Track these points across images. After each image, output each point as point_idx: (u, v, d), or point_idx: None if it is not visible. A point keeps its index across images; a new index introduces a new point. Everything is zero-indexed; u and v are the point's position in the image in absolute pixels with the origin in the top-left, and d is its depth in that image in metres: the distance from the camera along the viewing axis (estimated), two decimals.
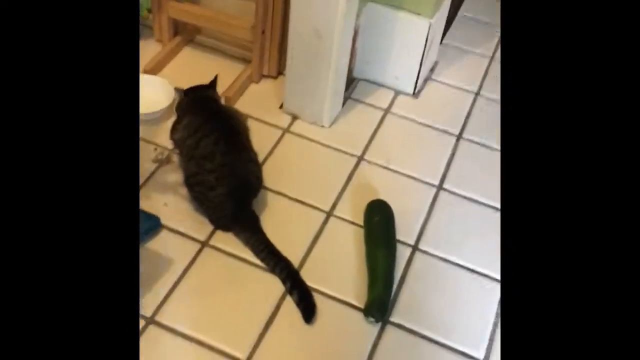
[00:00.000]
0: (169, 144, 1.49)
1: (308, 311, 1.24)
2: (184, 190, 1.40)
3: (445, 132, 1.69)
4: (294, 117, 1.66)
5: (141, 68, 1.70)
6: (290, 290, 1.27)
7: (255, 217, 1.36)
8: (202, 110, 1.38)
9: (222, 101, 1.55)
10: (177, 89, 1.50)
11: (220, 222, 1.36)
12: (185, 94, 1.45)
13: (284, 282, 1.28)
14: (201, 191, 1.33)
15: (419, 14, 1.63)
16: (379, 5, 1.65)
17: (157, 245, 1.33)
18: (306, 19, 1.47)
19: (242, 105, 1.67)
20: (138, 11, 1.58)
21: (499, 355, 1.21)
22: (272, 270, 1.30)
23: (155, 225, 1.34)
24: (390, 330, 1.25)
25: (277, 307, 1.26)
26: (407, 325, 1.26)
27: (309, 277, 1.30)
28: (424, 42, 1.66)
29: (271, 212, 1.42)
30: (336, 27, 1.45)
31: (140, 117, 1.58)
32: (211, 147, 1.30)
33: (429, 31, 1.64)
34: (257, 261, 1.32)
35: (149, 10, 1.83)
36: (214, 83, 1.47)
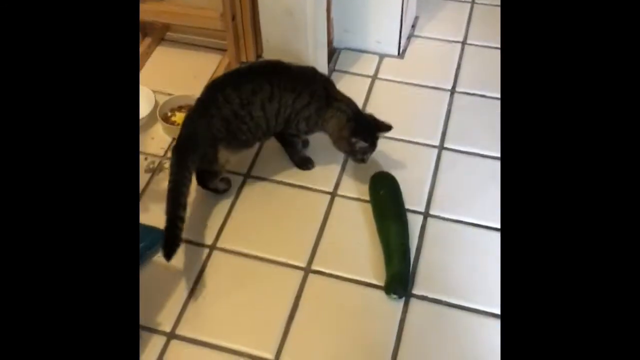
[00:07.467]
0: (157, 151, 1.45)
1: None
2: None
3: (437, 88, 1.63)
4: None
5: None
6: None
7: None
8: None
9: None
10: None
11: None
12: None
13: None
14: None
15: None
16: None
17: (163, 258, 1.29)
18: None
19: None
20: (138, 13, 1.51)
21: None
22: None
23: (157, 238, 1.29)
24: (414, 304, 1.22)
25: (297, 299, 1.23)
26: (431, 295, 1.23)
27: (324, 263, 1.27)
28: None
29: (275, 201, 1.39)
30: (307, 1, 1.39)
31: None
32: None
33: None
34: (269, 257, 1.29)
35: None
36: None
